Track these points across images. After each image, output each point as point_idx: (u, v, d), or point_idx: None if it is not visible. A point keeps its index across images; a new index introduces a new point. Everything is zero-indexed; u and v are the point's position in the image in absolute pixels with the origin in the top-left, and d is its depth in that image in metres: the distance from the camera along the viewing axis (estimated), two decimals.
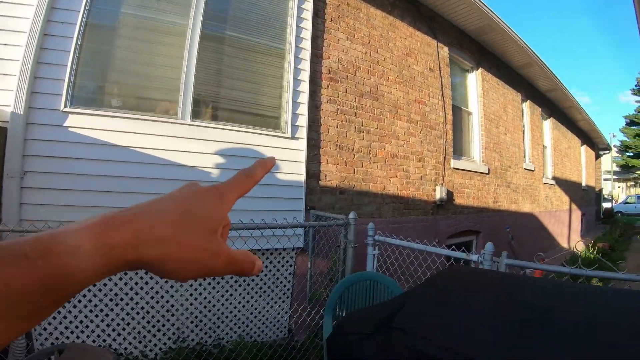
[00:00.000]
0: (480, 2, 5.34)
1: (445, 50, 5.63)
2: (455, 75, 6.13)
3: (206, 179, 2.74)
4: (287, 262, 3.24)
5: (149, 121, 2.66)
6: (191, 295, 2.79)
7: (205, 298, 2.85)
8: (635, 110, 29.42)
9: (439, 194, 5.05)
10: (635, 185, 36.70)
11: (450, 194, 5.36)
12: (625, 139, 29.74)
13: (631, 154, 29.99)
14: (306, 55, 3.46)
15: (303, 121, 3.33)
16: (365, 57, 4.16)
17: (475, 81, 6.59)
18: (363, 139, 3.93)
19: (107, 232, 0.25)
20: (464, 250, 2.25)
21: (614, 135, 25.13)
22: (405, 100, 4.63)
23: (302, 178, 3.20)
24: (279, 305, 3.22)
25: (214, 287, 2.90)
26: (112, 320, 2.52)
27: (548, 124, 10.62)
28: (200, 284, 2.83)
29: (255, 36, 3.23)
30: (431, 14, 5.50)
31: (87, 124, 2.46)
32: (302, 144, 3.29)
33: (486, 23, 5.88)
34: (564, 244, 10.74)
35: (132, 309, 2.60)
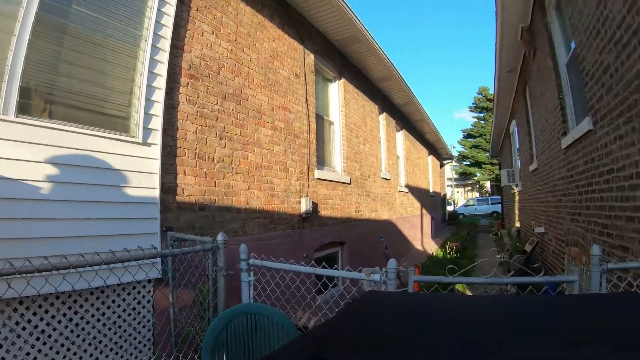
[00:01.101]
0: (352, 13, 5.95)
1: (311, 57, 6.07)
2: (319, 83, 6.64)
3: (34, 198, 2.33)
4: (144, 297, 2.93)
5: None
6: None
7: None
8: (472, 125, 38.60)
9: (304, 206, 5.38)
10: (472, 190, 46.19)
11: (315, 205, 5.77)
12: (463, 149, 38.47)
13: (468, 163, 38.78)
14: (166, 45, 3.26)
15: (157, 124, 3.11)
16: (230, 55, 4.19)
17: (337, 91, 7.27)
18: (225, 146, 3.94)
19: None
20: (360, 270, 2.36)
21: (453, 147, 30.87)
22: (269, 105, 4.82)
23: (157, 193, 2.97)
24: (136, 357, 2.86)
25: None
26: None
27: (401, 136, 12.36)
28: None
29: (106, 15, 2.88)
30: (300, 19, 5.87)
31: None
32: (156, 151, 3.05)
33: (354, 34, 6.57)
34: (419, 247, 12.60)
35: None
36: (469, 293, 5.51)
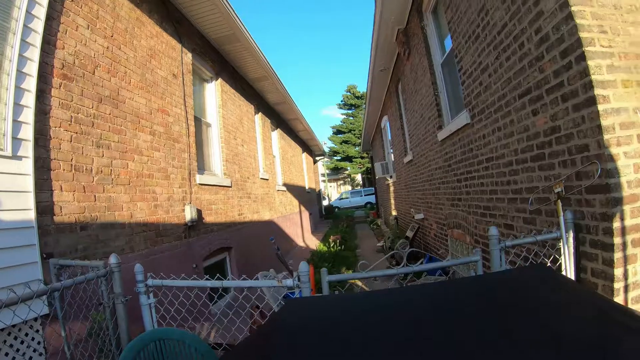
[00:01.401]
0: (232, 10, 5.93)
1: (189, 57, 5.91)
2: (196, 84, 6.50)
3: None
4: (33, 339, 2.56)
5: None
6: None
7: None
8: (341, 121, 41.69)
9: (189, 214, 5.26)
10: (344, 184, 49.49)
11: (199, 212, 5.67)
12: (334, 145, 41.05)
13: (339, 158, 41.55)
14: (37, 40, 2.88)
15: (28, 133, 2.73)
16: (106, 53, 3.88)
17: (214, 92, 7.20)
18: (103, 155, 3.66)
19: None
20: (273, 276, 2.38)
21: (324, 143, 32.63)
22: (148, 108, 4.59)
23: (32, 215, 2.61)
24: None
25: None
26: None
27: (276, 135, 12.71)
28: None
29: None
30: (179, 16, 5.67)
31: None
32: (28, 165, 2.69)
33: (232, 32, 6.56)
34: (301, 244, 13.12)
35: None
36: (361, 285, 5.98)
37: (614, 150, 2.06)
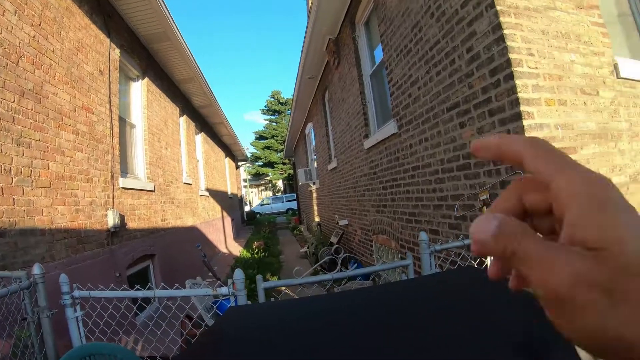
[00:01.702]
0: (166, 8, 5.69)
1: (116, 53, 5.58)
2: (122, 82, 6.16)
3: None
4: None
5: None
6: None
7: None
8: (264, 127, 41.61)
9: (111, 220, 4.96)
10: (265, 189, 49.08)
11: (122, 218, 5.37)
12: (256, 151, 40.64)
13: (261, 164, 41.30)
14: None
15: None
16: (32, 43, 3.54)
17: (140, 91, 6.86)
18: (23, 154, 3.34)
19: None
20: (201, 283, 2.34)
21: (247, 148, 32.26)
22: (72, 105, 4.26)
23: None
24: None
25: None
26: None
27: (200, 138, 12.38)
28: None
29: None
30: (110, 9, 5.35)
31: None
32: None
33: (164, 30, 6.30)
34: (224, 250, 12.83)
35: None
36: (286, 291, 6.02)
37: None
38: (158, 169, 7.32)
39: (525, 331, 1.03)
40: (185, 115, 10.09)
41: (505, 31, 2.46)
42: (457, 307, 1.26)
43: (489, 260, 2.60)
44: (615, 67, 2.92)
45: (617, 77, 2.93)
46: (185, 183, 9.32)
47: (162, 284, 5.96)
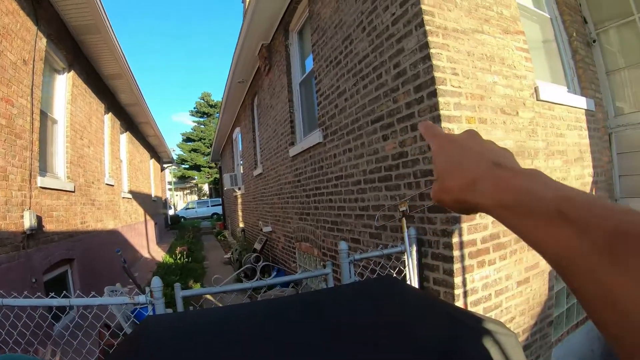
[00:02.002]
0: None
1: (43, 42, 5.23)
2: (46, 74, 5.78)
3: None
4: None
5: None
6: None
7: None
8: (192, 129, 40.08)
9: (28, 221, 4.65)
10: (191, 193, 47.39)
11: (40, 219, 5.04)
12: (182, 153, 38.95)
13: (187, 166, 39.68)
14: None
15: None
16: None
17: (65, 85, 6.47)
18: None
19: None
20: (120, 290, 2.15)
21: (173, 150, 31.11)
22: None
23: None
24: None
25: None
26: None
27: (125, 138, 11.83)
28: None
29: None
30: None
31: None
32: None
33: (94, 22, 6.01)
34: (146, 255, 12.30)
35: None
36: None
37: None
38: (79, 169, 6.93)
39: (439, 339, 1.09)
40: (110, 113, 9.61)
41: (432, 50, 2.52)
42: (371, 315, 1.28)
43: (406, 270, 2.82)
44: (536, 90, 3.17)
45: (537, 99, 3.16)
46: (107, 184, 8.86)
47: (78, 291, 5.63)
